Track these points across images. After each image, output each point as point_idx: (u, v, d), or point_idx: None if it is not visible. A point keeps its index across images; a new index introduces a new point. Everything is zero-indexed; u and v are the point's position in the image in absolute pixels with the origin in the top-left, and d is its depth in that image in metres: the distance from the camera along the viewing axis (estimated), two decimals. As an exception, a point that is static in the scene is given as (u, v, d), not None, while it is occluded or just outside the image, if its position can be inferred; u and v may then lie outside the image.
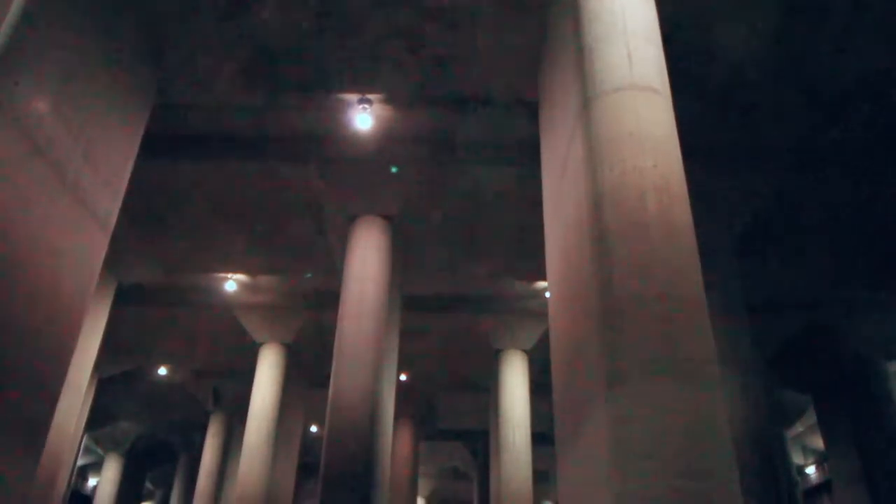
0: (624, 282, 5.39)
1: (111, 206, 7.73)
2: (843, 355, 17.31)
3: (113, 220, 7.80)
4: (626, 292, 5.34)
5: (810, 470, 27.74)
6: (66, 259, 6.85)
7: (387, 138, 11.27)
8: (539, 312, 16.21)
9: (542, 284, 15.39)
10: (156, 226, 13.72)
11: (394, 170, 11.97)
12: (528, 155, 9.93)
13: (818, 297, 16.07)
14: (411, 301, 15.35)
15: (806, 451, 27.66)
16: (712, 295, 5.85)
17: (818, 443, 23.92)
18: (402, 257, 13.25)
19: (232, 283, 16.29)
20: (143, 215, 13.09)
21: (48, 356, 6.55)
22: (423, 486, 31.02)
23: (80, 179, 7.01)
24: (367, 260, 12.10)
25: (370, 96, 10.33)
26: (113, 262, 13.54)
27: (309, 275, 16.69)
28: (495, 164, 11.65)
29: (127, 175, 8.14)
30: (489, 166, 11.73)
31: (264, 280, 16.44)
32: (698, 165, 7.35)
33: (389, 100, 10.46)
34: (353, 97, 10.37)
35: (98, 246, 7.51)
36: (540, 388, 16.81)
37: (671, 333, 5.11)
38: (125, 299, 15.53)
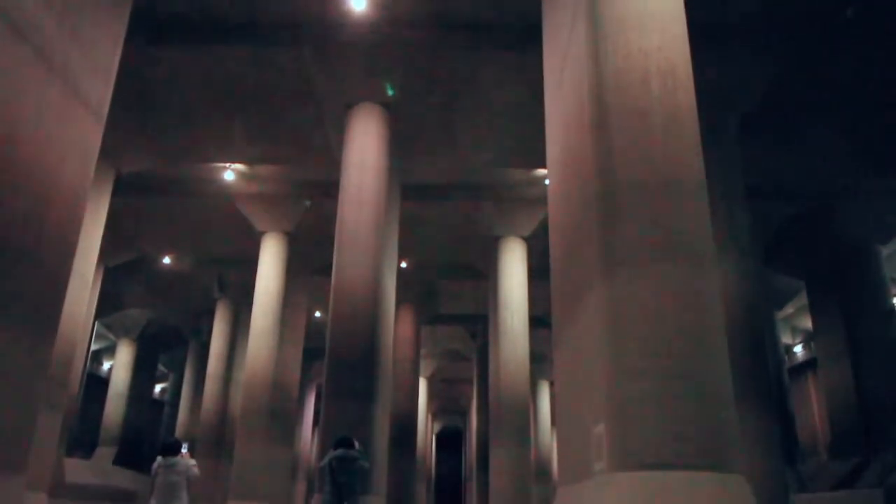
0: (624, 166, 5.38)
1: (103, 92, 7.55)
2: (838, 239, 17.49)
3: (105, 107, 7.64)
4: (625, 177, 5.34)
5: (797, 349, 28.77)
6: (62, 148, 6.78)
7: (382, 21, 10.84)
8: (538, 199, 16.22)
9: (541, 172, 15.31)
10: (151, 115, 13.47)
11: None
12: (530, 39, 9.59)
13: (817, 182, 16.04)
14: (411, 189, 15.33)
15: (795, 331, 28.55)
16: (712, 179, 5.86)
17: (806, 323, 24.65)
18: (401, 145, 13.11)
19: (230, 173, 16.22)
20: (137, 104, 12.81)
21: (52, 244, 6.63)
22: (425, 366, 32.17)
23: (69, 65, 6.80)
24: (365, 148, 11.99)
25: (364, -26, 9.88)
26: (110, 151, 13.38)
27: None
28: (495, 48, 11.27)
29: (116, 59, 7.89)
30: (489, 51, 11.36)
31: (263, 169, 16.35)
32: (702, 46, 7.12)
33: (385, -22, 10.00)
34: (346, -25, 9.92)
35: (93, 134, 7.40)
36: (538, 273, 17.08)
37: (669, 217, 5.17)
38: (125, 190, 15.49)
